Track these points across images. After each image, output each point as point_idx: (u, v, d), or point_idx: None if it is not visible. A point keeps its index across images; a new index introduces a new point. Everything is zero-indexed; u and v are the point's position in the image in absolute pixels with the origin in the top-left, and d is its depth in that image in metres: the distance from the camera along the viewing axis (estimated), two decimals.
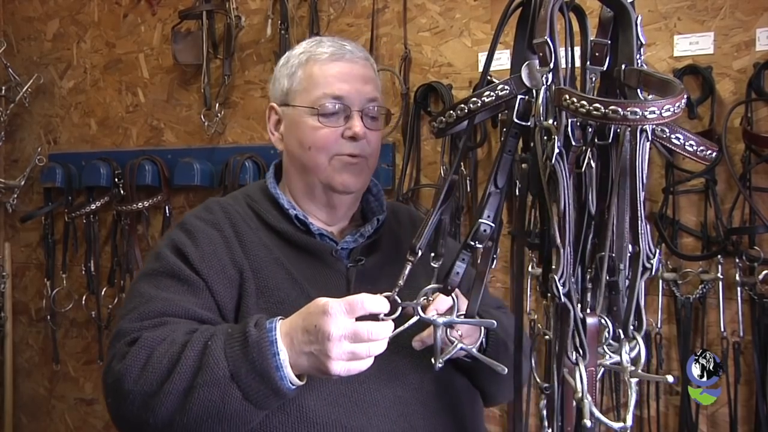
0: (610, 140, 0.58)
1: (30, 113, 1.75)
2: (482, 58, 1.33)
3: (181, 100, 1.60)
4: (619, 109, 0.51)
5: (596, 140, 0.58)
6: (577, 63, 0.63)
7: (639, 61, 0.56)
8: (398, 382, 0.73)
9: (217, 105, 1.51)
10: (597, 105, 0.52)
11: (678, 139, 0.57)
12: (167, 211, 1.55)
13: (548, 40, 0.55)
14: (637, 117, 0.51)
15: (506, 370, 0.65)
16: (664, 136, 0.57)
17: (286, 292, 0.73)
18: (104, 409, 1.59)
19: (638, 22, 0.56)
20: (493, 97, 0.60)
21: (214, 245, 0.75)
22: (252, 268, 0.74)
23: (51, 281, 1.67)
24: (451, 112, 0.64)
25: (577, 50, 0.62)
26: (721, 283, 1.11)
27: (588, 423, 0.56)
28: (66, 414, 1.76)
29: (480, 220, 0.61)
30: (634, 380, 0.56)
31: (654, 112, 0.51)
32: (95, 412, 1.71)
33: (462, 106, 0.63)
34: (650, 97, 0.56)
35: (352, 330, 0.60)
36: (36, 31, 1.75)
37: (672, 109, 0.51)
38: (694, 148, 0.57)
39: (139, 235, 1.59)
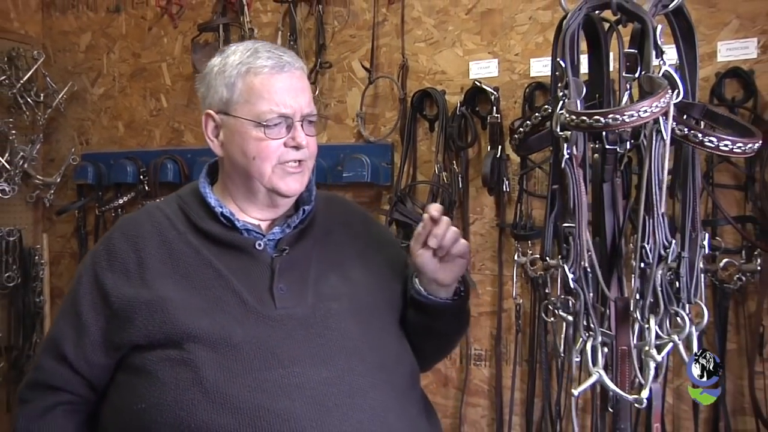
0: (639, 142, 0.58)
1: (65, 117, 1.77)
2: (473, 66, 1.35)
3: (200, 105, 1.64)
4: (601, 118, 0.53)
5: (630, 143, 0.59)
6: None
7: (663, 67, 0.55)
8: (325, 365, 0.71)
9: None
10: (583, 117, 0.53)
11: (712, 142, 0.55)
12: None
13: (560, 61, 0.57)
14: (618, 122, 0.52)
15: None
16: (697, 140, 0.56)
17: (213, 291, 0.72)
18: None
19: (657, 32, 0.55)
20: (540, 118, 0.64)
21: (127, 273, 0.73)
22: (177, 272, 0.73)
23: None
24: (515, 136, 0.68)
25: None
26: None
27: (575, 393, 0.57)
28: None
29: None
30: (654, 357, 0.56)
31: (633, 116, 0.52)
32: None
33: (520, 129, 0.67)
34: (635, 101, 0.55)
35: None
36: (70, 44, 1.78)
37: (650, 110, 0.52)
38: (730, 146, 0.55)
39: None
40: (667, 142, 0.55)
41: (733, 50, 1.12)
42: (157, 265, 0.74)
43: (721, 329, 1.14)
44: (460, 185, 1.32)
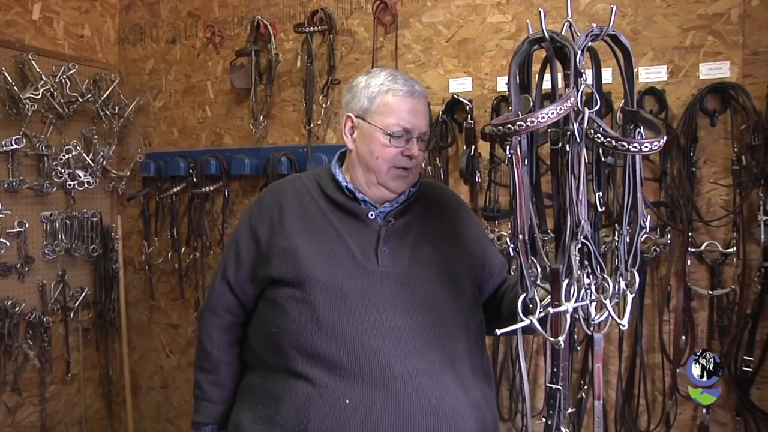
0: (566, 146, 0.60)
1: (134, 125, 1.93)
2: (452, 83, 1.49)
3: (236, 113, 1.76)
4: (510, 125, 0.57)
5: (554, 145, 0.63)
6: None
7: (583, 85, 0.61)
8: (411, 315, 0.79)
9: (262, 117, 1.67)
10: (499, 126, 0.58)
11: (623, 145, 0.60)
12: (226, 193, 1.71)
13: (507, 84, 0.66)
14: (523, 127, 0.57)
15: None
16: (612, 146, 0.59)
17: (332, 245, 0.83)
18: (186, 331, 1.87)
19: (577, 58, 0.60)
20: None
21: (272, 223, 0.85)
22: (308, 227, 0.84)
23: (147, 242, 1.86)
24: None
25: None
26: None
27: (498, 332, 0.64)
28: (161, 334, 1.94)
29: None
30: (568, 309, 0.59)
31: (533, 122, 0.57)
32: (179, 334, 1.90)
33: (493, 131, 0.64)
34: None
35: None
36: (138, 68, 1.94)
37: (547, 116, 0.57)
38: (638, 147, 0.59)
39: (207, 210, 1.75)
40: (581, 143, 0.60)
41: (650, 74, 1.28)
42: (293, 219, 0.85)
43: (641, 289, 1.30)
44: (442, 177, 1.45)
